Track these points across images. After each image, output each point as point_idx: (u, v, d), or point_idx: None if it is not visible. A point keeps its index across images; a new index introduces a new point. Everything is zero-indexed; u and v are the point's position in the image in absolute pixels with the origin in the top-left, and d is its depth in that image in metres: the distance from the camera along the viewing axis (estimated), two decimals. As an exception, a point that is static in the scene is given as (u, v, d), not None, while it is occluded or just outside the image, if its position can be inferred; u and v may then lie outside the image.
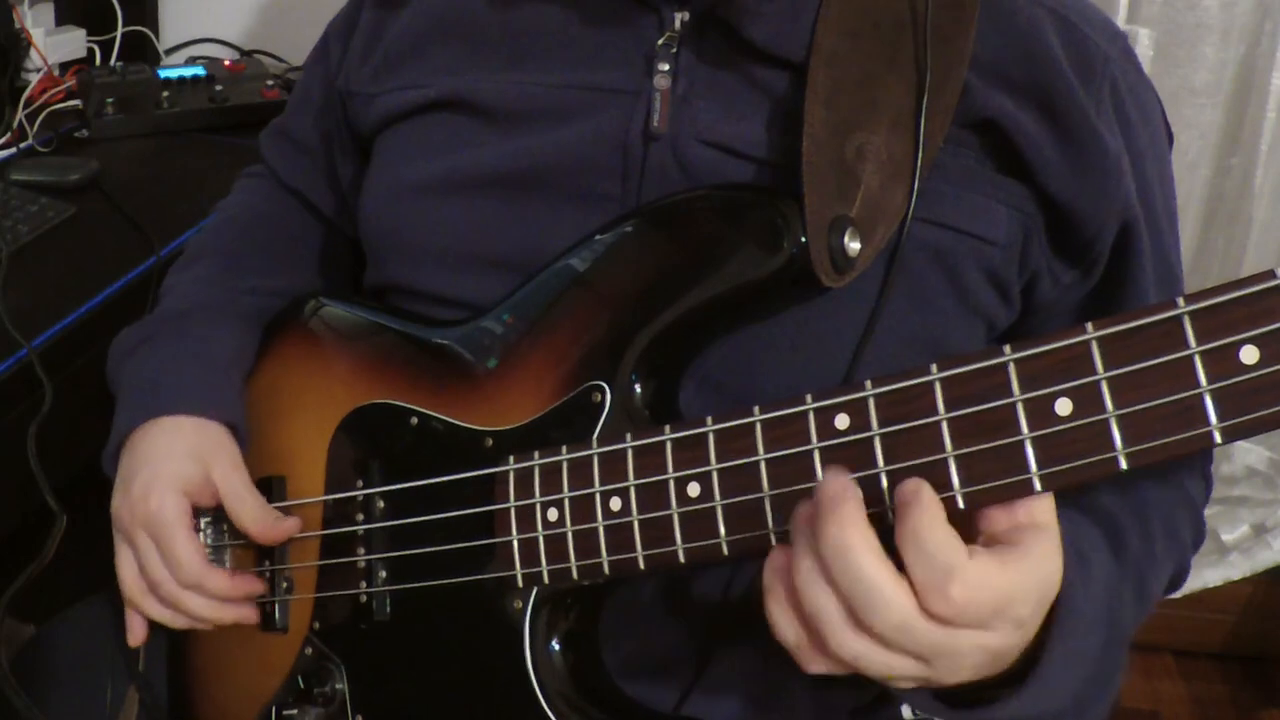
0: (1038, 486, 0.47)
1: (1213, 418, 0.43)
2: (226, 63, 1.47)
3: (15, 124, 1.31)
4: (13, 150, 1.26)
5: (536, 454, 0.63)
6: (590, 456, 0.60)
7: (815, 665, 0.51)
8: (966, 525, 0.50)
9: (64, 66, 1.46)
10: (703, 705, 0.69)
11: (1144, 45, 1.46)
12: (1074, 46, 0.66)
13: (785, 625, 0.51)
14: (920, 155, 0.62)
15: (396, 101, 0.77)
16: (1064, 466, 0.46)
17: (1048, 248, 0.68)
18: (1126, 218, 0.67)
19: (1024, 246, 0.67)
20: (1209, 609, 1.81)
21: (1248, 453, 1.69)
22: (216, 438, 0.76)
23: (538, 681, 0.62)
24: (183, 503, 0.73)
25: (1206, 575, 1.73)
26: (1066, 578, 0.52)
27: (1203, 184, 1.55)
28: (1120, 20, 1.45)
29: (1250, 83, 1.49)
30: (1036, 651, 0.53)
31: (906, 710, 0.81)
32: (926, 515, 0.47)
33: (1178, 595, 1.84)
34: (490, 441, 0.66)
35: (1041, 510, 0.49)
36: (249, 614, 0.75)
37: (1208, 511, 1.95)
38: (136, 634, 0.77)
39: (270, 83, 1.44)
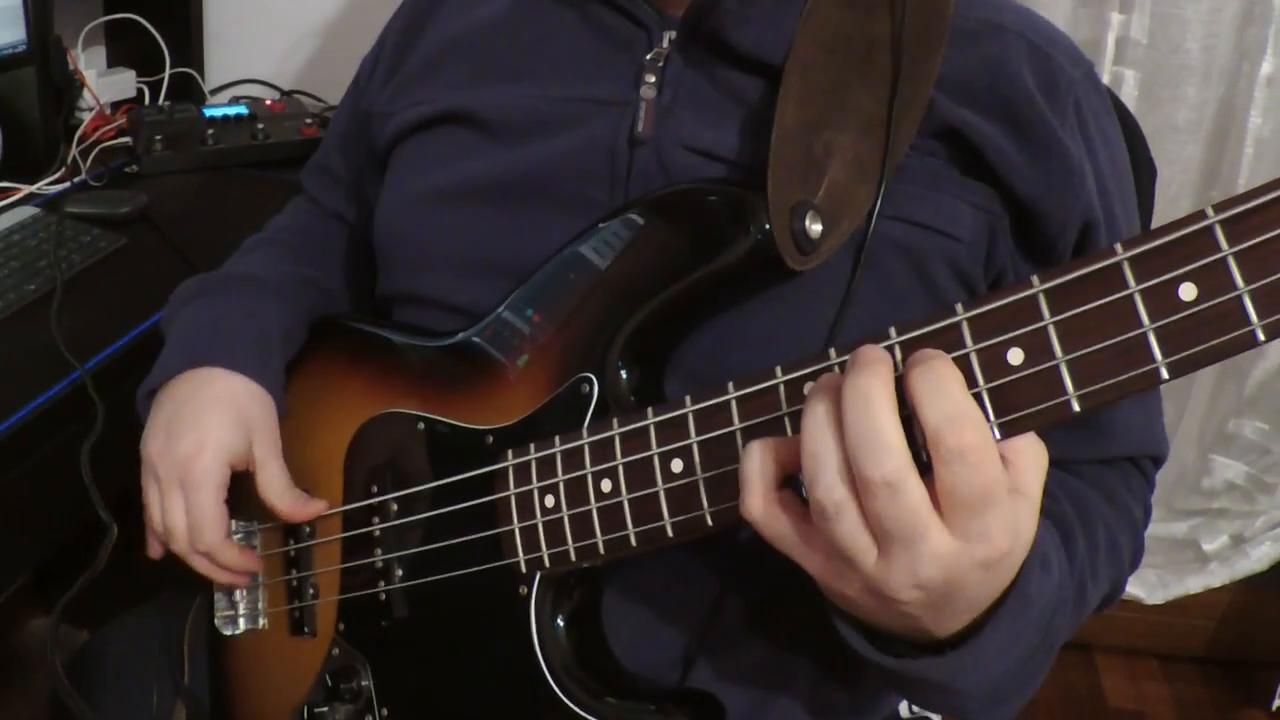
0: (996, 435, 0.47)
1: (1157, 354, 0.44)
2: (268, 102, 1.51)
3: (69, 160, 1.34)
4: (67, 184, 1.30)
5: (532, 446, 0.65)
6: (581, 446, 0.62)
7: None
8: None
9: (115, 105, 1.50)
10: None
11: (1130, 86, 1.49)
12: (1041, 70, 0.68)
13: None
14: (888, 156, 0.63)
15: (406, 118, 0.80)
16: (1020, 414, 0.47)
17: (1013, 246, 0.69)
18: (1089, 218, 0.68)
19: (990, 245, 0.68)
20: (1191, 615, 1.84)
21: (1227, 468, 1.72)
22: (263, 409, 0.77)
23: (545, 661, 0.64)
24: (226, 472, 0.75)
25: (1189, 583, 1.76)
26: (1027, 562, 0.51)
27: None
28: (1107, 63, 1.48)
29: (1230, 120, 1.53)
30: (978, 627, 0.53)
31: (904, 709, 0.83)
32: (949, 367, 0.46)
33: (1162, 602, 1.89)
34: (490, 439, 0.68)
35: (1029, 481, 0.48)
36: (240, 581, 0.79)
37: (1189, 523, 2.03)
38: (154, 549, 0.78)
39: (309, 120, 1.47)
